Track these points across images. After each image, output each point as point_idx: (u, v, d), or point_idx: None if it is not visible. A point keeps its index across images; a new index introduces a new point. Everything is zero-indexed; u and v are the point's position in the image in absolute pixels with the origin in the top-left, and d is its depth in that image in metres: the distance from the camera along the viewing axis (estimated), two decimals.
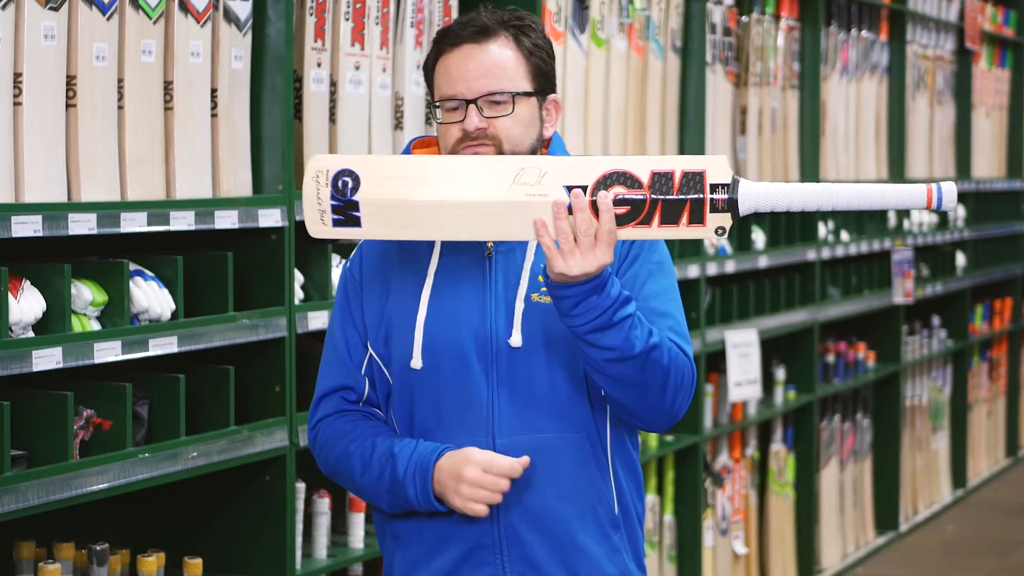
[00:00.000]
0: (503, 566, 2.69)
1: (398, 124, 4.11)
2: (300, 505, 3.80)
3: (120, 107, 3.33)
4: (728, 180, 2.52)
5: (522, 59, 2.71)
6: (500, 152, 2.69)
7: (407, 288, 2.71)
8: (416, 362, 2.68)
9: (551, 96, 2.76)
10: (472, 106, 2.67)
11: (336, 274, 3.82)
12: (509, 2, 4.43)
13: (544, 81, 2.74)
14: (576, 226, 2.49)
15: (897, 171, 7.63)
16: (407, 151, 2.80)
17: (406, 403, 2.72)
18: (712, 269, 5.60)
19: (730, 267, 5.75)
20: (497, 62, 2.69)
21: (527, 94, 2.70)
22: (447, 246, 2.73)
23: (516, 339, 2.67)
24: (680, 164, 2.54)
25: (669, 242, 2.90)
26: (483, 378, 2.67)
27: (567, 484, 2.70)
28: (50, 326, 3.12)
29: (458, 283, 2.71)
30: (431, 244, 2.74)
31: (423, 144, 2.84)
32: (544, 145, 2.77)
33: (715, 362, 5.87)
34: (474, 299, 2.70)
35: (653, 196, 2.52)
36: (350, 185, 2.59)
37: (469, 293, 2.70)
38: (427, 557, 2.72)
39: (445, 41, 2.71)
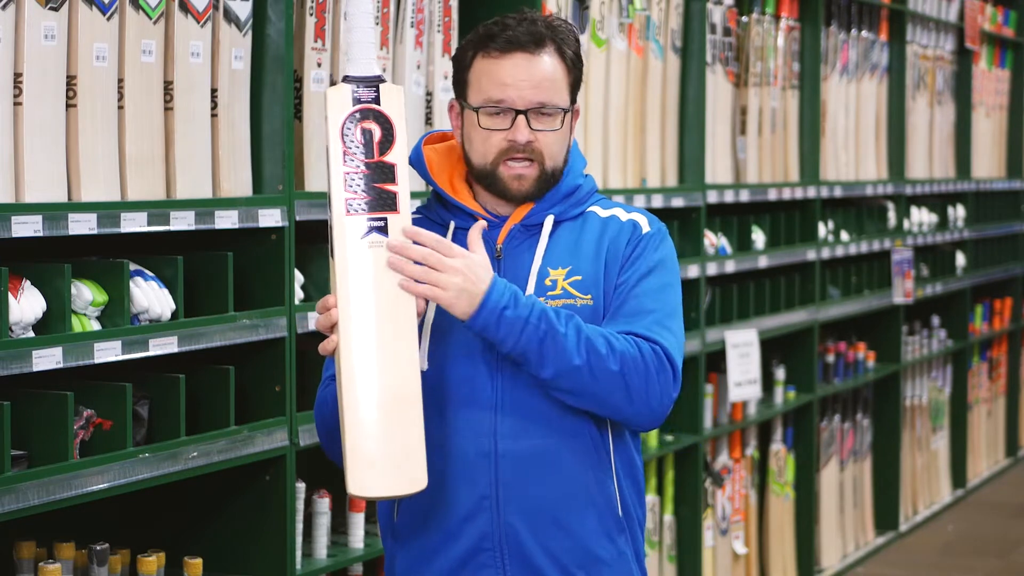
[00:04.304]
0: (504, 569, 2.69)
1: None
2: (300, 505, 3.80)
3: (120, 107, 3.33)
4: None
5: (566, 72, 2.69)
6: (542, 168, 2.68)
7: None
8: (422, 363, 2.68)
9: (575, 105, 2.76)
10: (522, 117, 2.64)
11: None
12: (509, 3, 4.44)
13: (576, 92, 2.74)
14: (414, 264, 2.53)
15: (897, 171, 7.63)
16: (418, 147, 2.79)
17: None
18: (712, 269, 5.60)
19: (730, 267, 5.75)
20: (549, 75, 2.66)
21: (569, 108, 2.70)
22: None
23: None
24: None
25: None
26: (488, 381, 2.67)
27: (570, 487, 2.69)
28: (50, 326, 3.12)
29: None
30: None
31: (435, 139, 2.83)
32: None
33: (715, 362, 5.87)
34: None
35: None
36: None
37: None
38: (428, 557, 2.72)
39: (494, 43, 2.66)
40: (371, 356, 2.54)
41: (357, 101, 2.61)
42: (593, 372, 2.59)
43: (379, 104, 2.62)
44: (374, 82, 2.63)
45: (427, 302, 2.60)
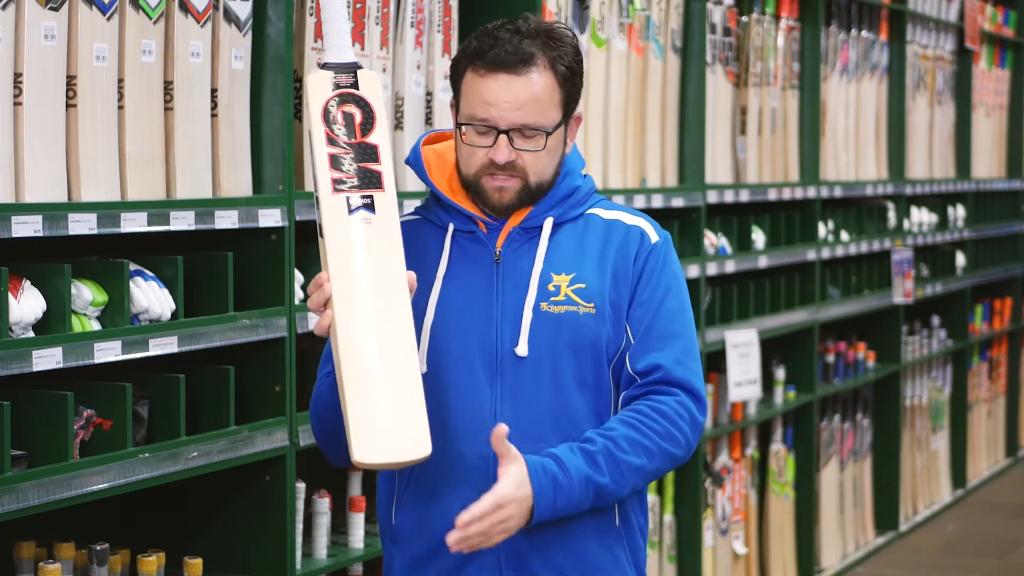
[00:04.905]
0: (500, 573, 2.69)
1: (398, 124, 4.11)
2: (300, 505, 3.79)
3: (120, 107, 3.33)
4: None
5: (556, 88, 2.66)
6: (525, 183, 2.67)
7: (415, 291, 2.70)
8: (421, 366, 2.67)
9: (575, 115, 2.74)
10: (503, 136, 2.63)
11: None
12: (509, 3, 4.44)
13: (573, 104, 2.71)
14: (480, 538, 2.56)
15: (897, 171, 7.63)
16: (416, 148, 2.78)
17: None
18: (712, 269, 5.60)
19: (730, 267, 5.75)
20: (534, 95, 2.63)
21: (558, 126, 2.67)
22: (456, 251, 2.72)
23: (523, 348, 2.66)
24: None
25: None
26: (487, 386, 2.66)
27: None
28: (50, 326, 3.12)
29: (466, 288, 2.69)
30: (440, 248, 2.73)
31: (435, 139, 2.82)
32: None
33: (715, 362, 5.87)
34: (481, 305, 2.69)
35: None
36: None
37: (477, 299, 2.68)
38: (425, 560, 2.72)
39: (481, 61, 2.64)
40: (368, 326, 2.54)
41: (337, 86, 2.65)
42: (643, 482, 2.68)
43: (358, 89, 2.66)
44: (352, 68, 2.67)
45: (418, 281, 2.65)
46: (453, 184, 2.75)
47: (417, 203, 2.88)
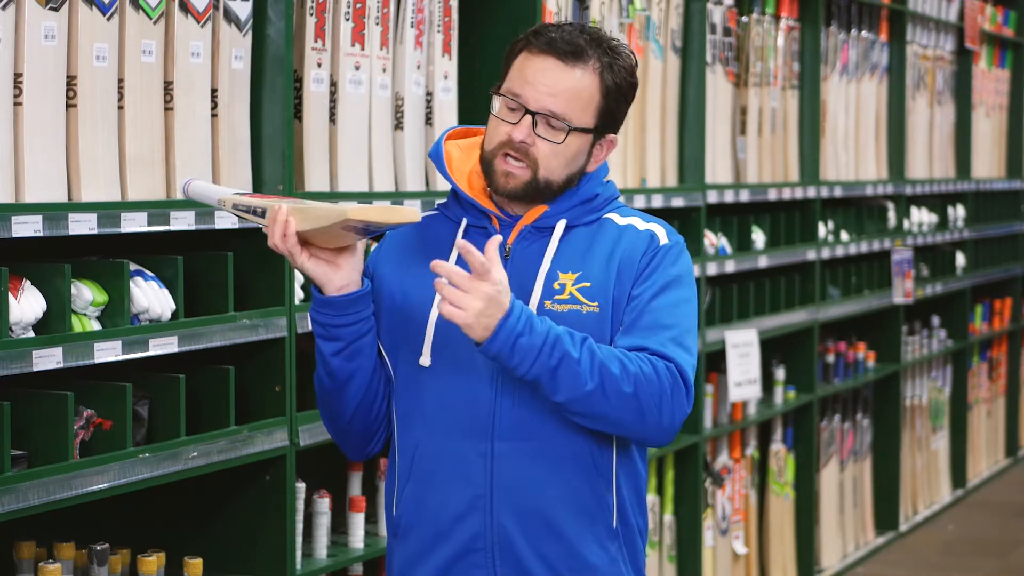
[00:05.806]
0: (495, 569, 2.69)
1: (398, 124, 4.11)
2: (300, 505, 3.80)
3: (120, 107, 3.33)
4: None
5: (598, 95, 2.67)
6: (534, 175, 2.67)
7: (423, 284, 2.70)
8: (425, 359, 2.68)
9: (609, 136, 2.74)
10: (529, 117, 2.64)
11: None
12: (509, 3, 4.44)
13: (609, 121, 2.71)
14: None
15: (897, 171, 7.63)
16: (439, 143, 2.78)
17: (410, 397, 2.73)
18: (712, 269, 5.60)
19: (730, 267, 5.75)
20: (573, 89, 2.65)
21: (585, 130, 2.68)
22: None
23: None
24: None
25: None
26: (488, 380, 2.66)
27: (565, 492, 2.68)
28: (50, 326, 3.12)
29: None
30: (450, 243, 2.73)
31: (459, 135, 2.82)
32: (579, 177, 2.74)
33: (715, 362, 5.87)
34: None
35: None
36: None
37: None
38: (423, 554, 2.73)
39: (536, 41, 2.67)
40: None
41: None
42: (606, 395, 2.58)
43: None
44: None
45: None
46: (472, 180, 2.75)
47: (418, 203, 2.89)
